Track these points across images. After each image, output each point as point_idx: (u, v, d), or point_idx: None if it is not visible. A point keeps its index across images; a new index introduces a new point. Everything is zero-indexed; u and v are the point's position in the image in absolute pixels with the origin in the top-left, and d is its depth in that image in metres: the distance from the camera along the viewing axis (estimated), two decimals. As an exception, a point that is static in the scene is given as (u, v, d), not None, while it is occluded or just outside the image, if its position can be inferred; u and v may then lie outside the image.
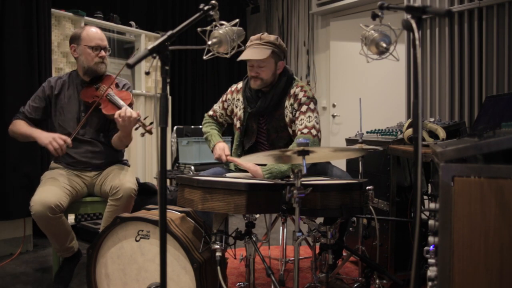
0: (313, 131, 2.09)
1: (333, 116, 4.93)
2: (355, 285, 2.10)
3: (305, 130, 2.09)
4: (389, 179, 2.21)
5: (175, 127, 4.36)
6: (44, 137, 2.12)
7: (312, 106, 2.16)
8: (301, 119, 2.13)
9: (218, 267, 1.59)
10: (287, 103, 2.20)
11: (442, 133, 1.93)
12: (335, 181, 1.87)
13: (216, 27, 1.57)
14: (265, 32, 2.24)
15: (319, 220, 1.78)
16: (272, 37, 2.16)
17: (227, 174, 2.18)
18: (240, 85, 2.35)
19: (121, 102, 2.20)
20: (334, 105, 4.93)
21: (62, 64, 3.34)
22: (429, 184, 2.13)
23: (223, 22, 1.56)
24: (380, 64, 2.19)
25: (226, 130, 2.58)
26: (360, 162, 2.17)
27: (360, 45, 1.67)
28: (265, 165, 2.08)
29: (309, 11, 5.10)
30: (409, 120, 2.12)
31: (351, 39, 4.65)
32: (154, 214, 1.74)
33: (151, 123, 2.14)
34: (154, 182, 3.75)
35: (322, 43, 5.09)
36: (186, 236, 1.66)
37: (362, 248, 2.13)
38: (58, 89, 2.30)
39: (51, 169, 2.29)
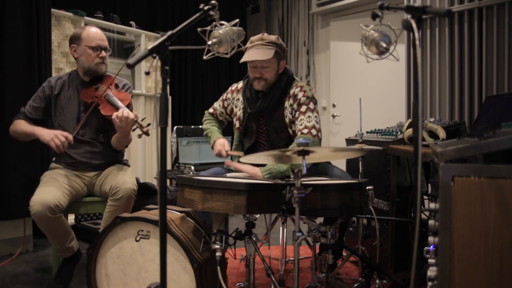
0: (313, 131, 2.09)
1: (333, 116, 4.93)
2: (355, 285, 2.10)
3: (305, 130, 2.09)
4: (389, 179, 2.21)
5: (175, 127, 4.36)
6: (46, 134, 2.13)
7: (311, 106, 2.15)
8: (300, 119, 2.13)
9: (218, 267, 1.59)
10: (286, 104, 2.20)
11: (442, 133, 1.93)
12: (335, 181, 1.87)
13: (216, 27, 1.57)
14: (265, 33, 2.24)
15: (319, 220, 1.78)
16: (273, 37, 2.16)
17: (227, 174, 2.18)
18: (240, 84, 2.35)
19: (119, 103, 2.20)
20: (334, 105, 4.93)
21: (62, 64, 3.34)
22: (429, 184, 2.13)
23: (223, 22, 1.56)
24: (380, 64, 2.19)
25: (225, 130, 2.58)
26: (360, 162, 2.16)
27: (360, 45, 1.67)
28: (264, 165, 2.07)
29: (309, 11, 5.10)
30: (409, 120, 2.12)
31: (351, 39, 4.65)
32: (154, 214, 1.74)
33: (149, 125, 2.14)
34: (154, 182, 3.75)
35: (322, 43, 5.09)
36: (186, 236, 1.66)
37: (362, 248, 2.13)
38: (58, 89, 2.30)
39: (51, 169, 2.29)
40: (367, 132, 2.51)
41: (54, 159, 2.34)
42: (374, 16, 1.33)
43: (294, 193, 1.46)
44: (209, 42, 1.56)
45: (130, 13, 4.37)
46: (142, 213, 1.77)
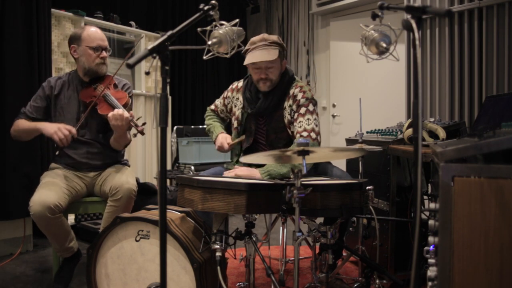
0: (313, 134, 2.09)
1: (333, 116, 4.93)
2: (355, 285, 2.10)
3: (305, 133, 2.09)
4: (389, 179, 2.21)
5: (175, 127, 4.36)
6: (50, 127, 2.13)
7: (311, 108, 2.15)
8: (300, 122, 2.12)
9: (218, 267, 1.59)
10: (286, 104, 2.19)
11: (442, 133, 1.93)
12: (335, 181, 1.87)
13: (216, 27, 1.57)
14: (265, 33, 2.23)
15: (319, 220, 1.78)
16: (274, 37, 2.16)
17: (226, 173, 2.18)
18: (240, 83, 2.35)
19: (117, 102, 2.20)
20: (334, 105, 4.93)
21: (62, 64, 3.34)
22: (429, 184, 2.13)
23: (223, 22, 1.56)
24: (380, 64, 2.19)
25: (225, 129, 2.57)
26: (360, 162, 2.16)
27: (360, 45, 1.67)
28: (263, 165, 2.07)
29: (309, 11, 5.10)
30: (409, 120, 2.12)
31: (351, 39, 4.65)
32: (154, 214, 1.74)
33: (144, 124, 2.14)
34: (154, 182, 3.74)
35: (322, 43, 5.09)
36: (186, 236, 1.66)
37: (362, 248, 2.13)
38: (58, 89, 2.30)
39: (50, 169, 2.28)
40: (367, 132, 2.51)
41: (57, 152, 2.32)
42: (374, 16, 1.33)
43: (294, 193, 1.46)
44: (209, 42, 1.56)
45: (130, 13, 4.37)
46: (142, 213, 1.77)
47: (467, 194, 1.00)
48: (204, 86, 5.13)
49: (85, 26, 2.32)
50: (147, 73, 1.16)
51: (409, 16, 1.08)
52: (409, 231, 2.21)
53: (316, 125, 2.12)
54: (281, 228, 2.41)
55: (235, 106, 2.33)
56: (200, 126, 4.47)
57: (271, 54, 2.09)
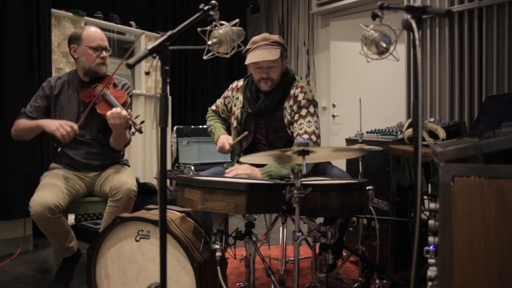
0: (313, 137, 2.09)
1: (333, 116, 4.93)
2: (355, 285, 2.10)
3: (305, 136, 2.09)
4: (389, 179, 2.21)
5: (175, 127, 4.36)
6: (52, 124, 2.12)
7: (311, 109, 2.15)
8: (300, 123, 2.12)
9: (218, 267, 1.59)
10: (286, 104, 2.19)
11: (442, 133, 1.93)
12: (335, 181, 1.86)
13: (216, 27, 1.57)
14: (266, 33, 2.23)
15: (319, 220, 1.78)
16: (276, 37, 2.16)
17: (226, 170, 2.18)
18: (240, 83, 2.34)
19: (115, 101, 2.20)
20: (334, 105, 4.93)
21: (62, 64, 3.34)
22: (429, 184, 2.13)
23: (223, 22, 1.56)
24: (380, 64, 2.19)
25: (227, 130, 2.57)
26: (360, 162, 2.16)
27: (360, 45, 1.67)
28: (263, 165, 2.07)
29: (309, 11, 5.10)
30: (409, 120, 2.12)
31: (351, 39, 4.65)
32: (154, 214, 1.73)
33: (142, 122, 2.14)
34: (154, 182, 3.74)
35: (322, 43, 5.09)
36: (186, 236, 1.66)
37: (362, 248, 2.13)
38: (58, 90, 2.29)
39: (50, 170, 2.28)
40: (367, 132, 2.51)
41: (59, 149, 2.32)
42: (374, 16, 1.33)
43: (294, 193, 1.46)
44: (209, 42, 1.56)
45: (130, 13, 4.37)
46: (142, 213, 1.77)
47: (467, 194, 1.00)
48: (204, 86, 5.13)
49: (85, 26, 2.32)
50: (147, 73, 1.16)
51: (409, 16, 1.08)
52: (409, 231, 2.21)
53: (317, 128, 2.12)
54: (281, 228, 2.41)
55: (235, 105, 2.33)
56: (200, 126, 4.47)
57: (273, 54, 2.09)
